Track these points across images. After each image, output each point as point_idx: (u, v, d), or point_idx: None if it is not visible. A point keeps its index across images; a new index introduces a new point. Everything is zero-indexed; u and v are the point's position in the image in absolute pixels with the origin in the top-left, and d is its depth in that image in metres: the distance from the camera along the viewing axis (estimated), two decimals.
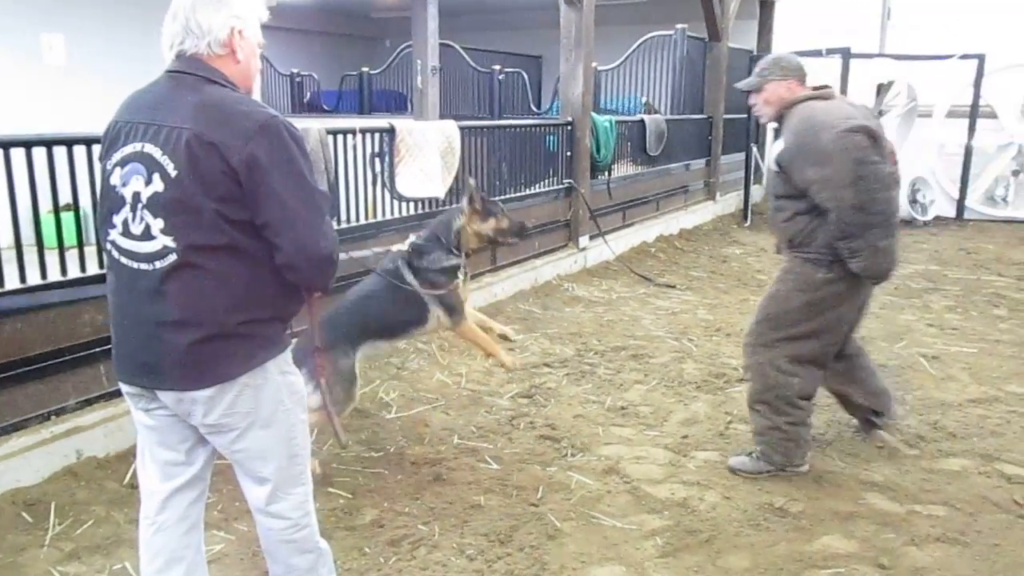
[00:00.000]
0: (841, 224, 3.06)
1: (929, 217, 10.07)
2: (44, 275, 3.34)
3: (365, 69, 13.02)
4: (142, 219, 1.90)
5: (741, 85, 3.43)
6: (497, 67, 11.94)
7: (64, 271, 3.41)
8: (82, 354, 3.39)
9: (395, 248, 3.51)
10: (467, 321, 3.52)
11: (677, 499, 3.22)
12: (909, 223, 10.02)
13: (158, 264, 1.90)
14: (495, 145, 6.44)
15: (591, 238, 7.46)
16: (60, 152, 3.36)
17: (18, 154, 3.20)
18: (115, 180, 1.93)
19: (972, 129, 10.08)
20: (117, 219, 1.93)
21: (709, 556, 2.82)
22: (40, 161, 3.27)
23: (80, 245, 3.50)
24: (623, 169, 8.43)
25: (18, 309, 3.19)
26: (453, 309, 3.46)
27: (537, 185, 6.84)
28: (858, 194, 3.00)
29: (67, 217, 3.43)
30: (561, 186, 7.07)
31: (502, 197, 6.24)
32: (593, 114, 7.34)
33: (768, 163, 3.26)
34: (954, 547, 2.87)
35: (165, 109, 1.91)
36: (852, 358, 3.63)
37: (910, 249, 8.64)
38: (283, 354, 2.06)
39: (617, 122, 7.84)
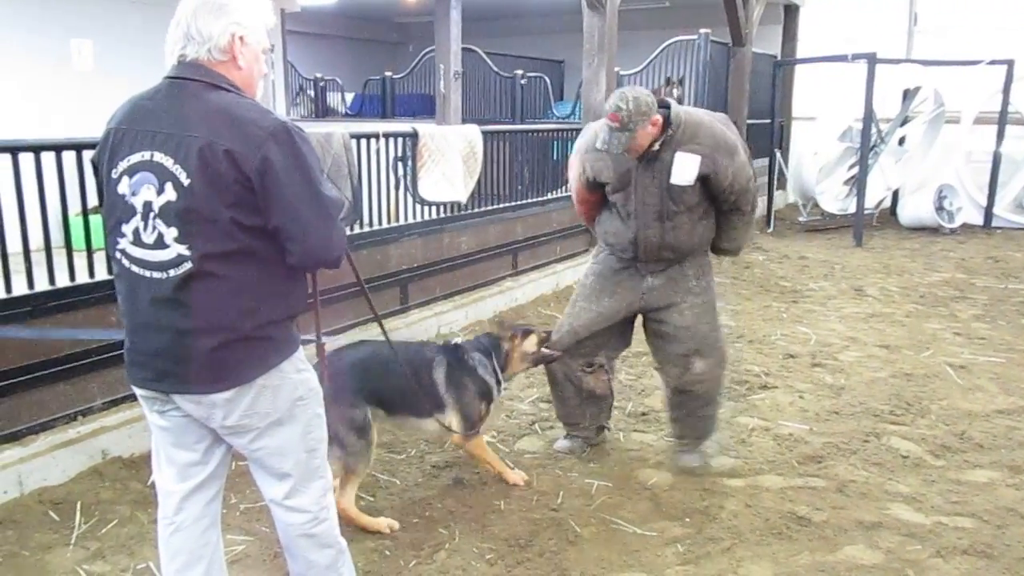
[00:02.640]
0: (752, 198, 3.42)
1: (956, 225, 9.94)
2: (72, 277, 3.39)
3: (388, 74, 13.10)
4: (154, 228, 1.90)
5: (608, 147, 3.16)
6: (519, 72, 11.96)
7: (92, 273, 3.46)
8: (109, 355, 3.43)
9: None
10: (481, 438, 3.35)
11: (698, 506, 3.20)
12: (936, 231, 9.91)
13: (172, 272, 1.90)
14: (517, 149, 6.45)
15: None
16: (88, 156, 3.40)
17: (48, 158, 3.25)
18: (123, 189, 1.92)
19: (1001, 135, 9.94)
20: (127, 228, 1.93)
21: (730, 564, 2.80)
22: (69, 164, 3.32)
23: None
24: None
25: (46, 311, 3.24)
26: (471, 422, 3.23)
27: (559, 190, 6.83)
28: (751, 171, 3.36)
29: (95, 220, 3.48)
30: None
31: (524, 202, 6.26)
32: None
33: (678, 180, 3.24)
34: (981, 560, 2.83)
35: (172, 117, 1.91)
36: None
37: (936, 257, 8.54)
38: (297, 353, 2.09)
39: None
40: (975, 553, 2.87)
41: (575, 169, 3.51)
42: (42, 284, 3.28)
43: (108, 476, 3.27)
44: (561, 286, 6.66)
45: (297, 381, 2.09)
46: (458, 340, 3.43)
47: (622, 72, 9.54)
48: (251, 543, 2.91)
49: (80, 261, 3.44)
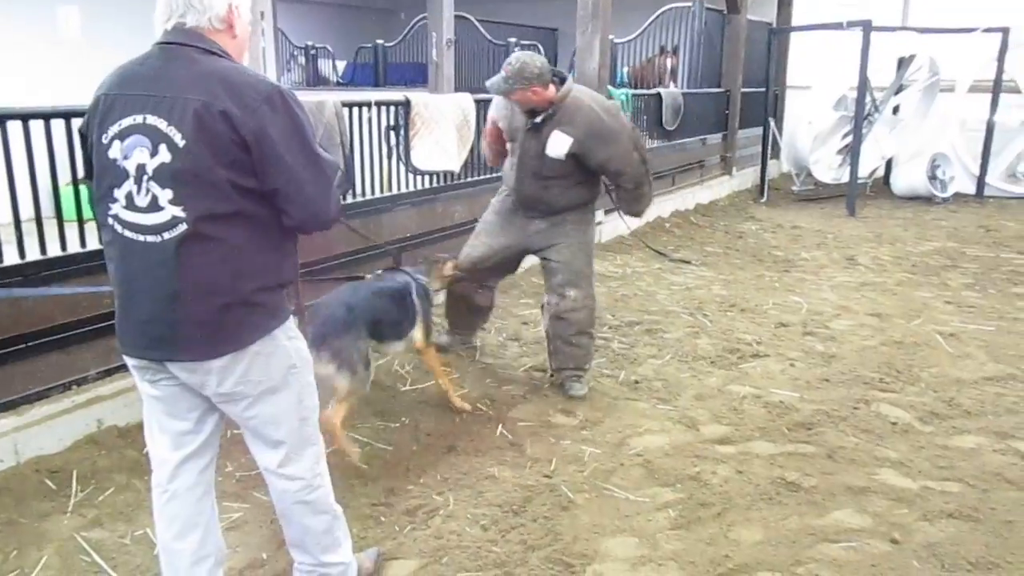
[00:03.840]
0: (633, 179, 3.87)
1: (949, 194, 9.96)
2: (64, 247, 3.37)
3: (380, 42, 12.96)
4: (148, 191, 1.89)
5: (491, 85, 3.68)
6: (513, 39, 11.84)
7: (84, 243, 3.45)
8: (102, 325, 3.42)
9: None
10: (433, 347, 3.85)
11: (690, 473, 3.24)
12: (929, 200, 9.92)
13: (167, 235, 1.90)
14: (643, 155, 6.37)
15: (606, 213, 7.43)
16: (78, 124, 3.37)
17: (37, 126, 3.22)
18: (115, 154, 1.91)
19: (995, 104, 9.92)
20: (119, 193, 1.92)
21: (721, 529, 2.85)
22: (59, 133, 3.29)
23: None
24: None
25: (38, 281, 3.22)
26: (429, 331, 3.75)
27: None
28: (640, 154, 3.84)
29: (85, 189, 3.45)
30: None
31: None
32: (609, 87, 7.28)
33: (551, 153, 3.73)
34: (967, 523, 2.88)
35: (165, 80, 1.91)
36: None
37: (928, 226, 8.56)
38: (288, 321, 2.11)
39: (633, 96, 7.78)
40: (961, 516, 2.92)
41: (493, 111, 4.03)
42: (33, 254, 3.26)
43: (104, 445, 3.29)
44: None
45: (290, 349, 2.11)
46: (405, 269, 3.85)
47: (616, 40, 9.46)
48: (247, 510, 2.94)
49: (71, 232, 3.42)
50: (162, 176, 1.88)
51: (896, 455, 3.39)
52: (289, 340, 2.11)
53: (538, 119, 3.70)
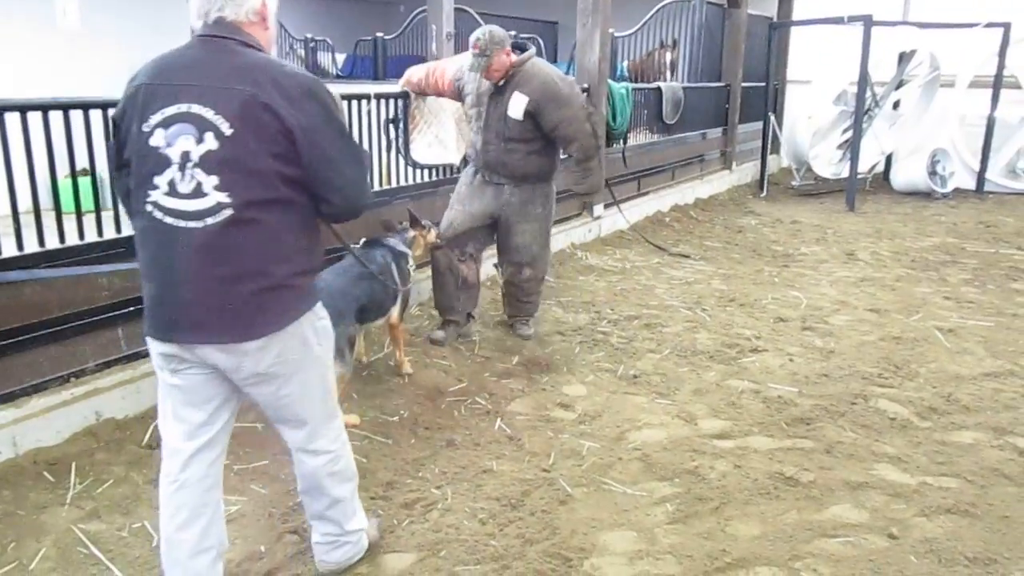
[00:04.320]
0: (583, 149, 4.26)
1: (948, 190, 9.94)
2: (62, 239, 3.36)
3: (380, 34, 12.91)
4: (192, 177, 1.95)
5: (472, 68, 4.11)
6: (512, 32, 11.72)
7: (82, 235, 3.44)
8: (100, 317, 3.43)
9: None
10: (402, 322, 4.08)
11: (688, 467, 3.24)
12: (928, 195, 9.91)
13: (210, 221, 1.96)
14: (593, 127, 6.35)
15: (606, 207, 7.43)
16: (76, 117, 3.36)
17: (35, 118, 3.20)
18: (157, 141, 1.97)
19: (995, 100, 9.90)
20: (160, 179, 1.97)
21: (719, 523, 2.85)
22: (57, 125, 3.27)
23: (97, 210, 3.51)
24: (639, 137, 8.36)
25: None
26: (405, 306, 4.02)
27: None
28: (592, 126, 4.26)
29: (84, 182, 3.44)
30: None
31: None
32: (609, 81, 7.27)
33: (511, 113, 4.13)
34: (964, 519, 2.88)
35: (210, 71, 1.99)
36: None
37: (928, 221, 8.56)
38: (318, 303, 2.22)
39: (634, 89, 7.76)
40: (959, 512, 2.92)
41: (456, 64, 4.44)
42: (31, 246, 3.26)
43: (102, 437, 3.28)
44: (554, 250, 6.64)
45: (319, 328, 2.22)
46: (387, 239, 4.01)
47: (616, 34, 9.43)
48: (244, 503, 2.94)
49: (69, 224, 3.41)
50: (208, 163, 1.95)
51: (894, 450, 3.40)
52: (319, 320, 2.22)
53: (502, 82, 4.13)
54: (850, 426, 3.62)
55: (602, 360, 4.40)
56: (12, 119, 3.11)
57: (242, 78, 1.97)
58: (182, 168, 1.96)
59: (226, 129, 1.94)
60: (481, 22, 11.78)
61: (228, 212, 1.96)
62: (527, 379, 4.13)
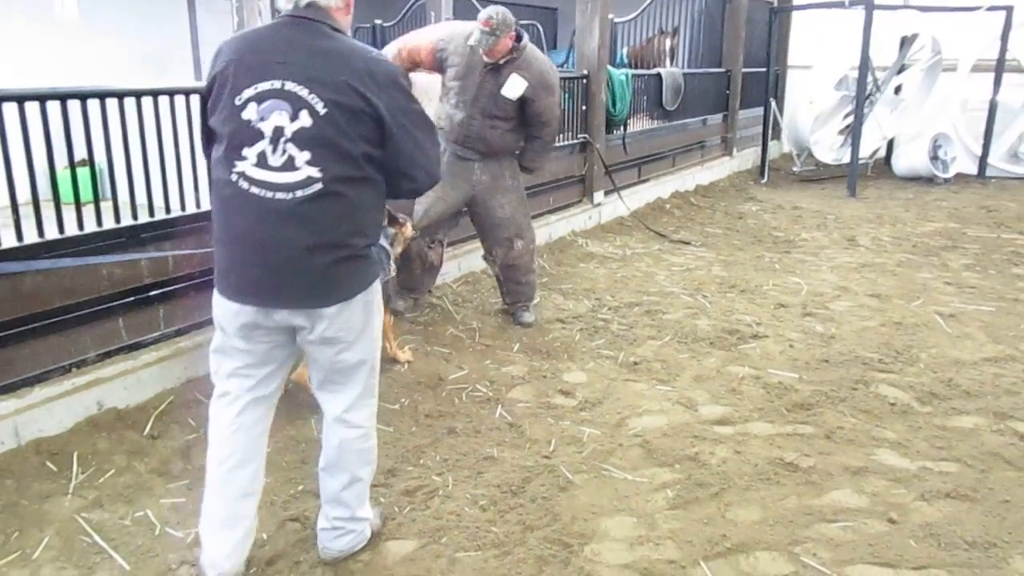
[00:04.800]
0: (553, 132, 4.58)
1: (950, 175, 9.91)
2: (61, 230, 3.36)
3: (378, 22, 12.84)
4: (284, 151, 2.09)
5: (477, 44, 4.13)
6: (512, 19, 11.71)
7: (81, 226, 3.44)
8: (101, 307, 3.43)
9: None
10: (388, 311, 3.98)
11: (688, 453, 3.25)
12: (930, 180, 9.88)
13: (299, 193, 2.11)
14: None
15: (606, 194, 7.42)
16: (74, 107, 3.35)
17: (32, 108, 3.20)
18: (249, 115, 2.09)
19: (998, 84, 9.85)
20: (249, 151, 2.10)
21: (719, 509, 2.86)
22: (55, 116, 3.27)
23: (96, 200, 3.51)
24: (639, 124, 8.34)
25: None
26: (388, 298, 4.00)
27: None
28: (557, 112, 4.53)
29: (83, 172, 3.43)
30: (576, 141, 7.01)
31: None
32: (609, 68, 7.24)
33: (507, 93, 4.23)
34: (964, 503, 2.89)
35: (303, 52, 2.12)
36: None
37: (929, 207, 8.53)
38: (378, 278, 2.36)
39: (633, 76, 7.73)
40: (958, 496, 2.93)
41: (430, 35, 4.44)
42: (31, 237, 3.25)
43: (104, 427, 3.29)
44: (554, 237, 6.65)
45: (379, 303, 2.39)
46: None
47: (616, 20, 9.38)
48: None
49: (69, 214, 3.41)
50: (301, 139, 2.09)
51: (894, 435, 3.40)
52: (378, 293, 2.37)
53: (502, 61, 4.20)
54: (850, 411, 3.62)
55: (602, 347, 4.41)
56: (10, 109, 3.11)
57: (337, 62, 2.11)
58: (274, 142, 2.09)
59: (320, 108, 2.08)
60: (480, 8, 11.74)
61: (318, 186, 2.10)
62: (527, 366, 4.14)
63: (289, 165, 2.09)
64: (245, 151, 2.10)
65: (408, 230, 4.03)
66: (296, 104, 2.08)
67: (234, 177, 2.13)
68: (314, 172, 2.10)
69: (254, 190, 2.11)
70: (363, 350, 2.36)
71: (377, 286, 2.35)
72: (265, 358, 2.32)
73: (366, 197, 2.22)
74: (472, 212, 4.64)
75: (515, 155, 4.62)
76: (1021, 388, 3.86)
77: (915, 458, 3.22)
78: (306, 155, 2.09)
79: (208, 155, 2.28)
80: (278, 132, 2.08)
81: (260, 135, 2.09)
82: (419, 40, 4.48)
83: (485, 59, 4.20)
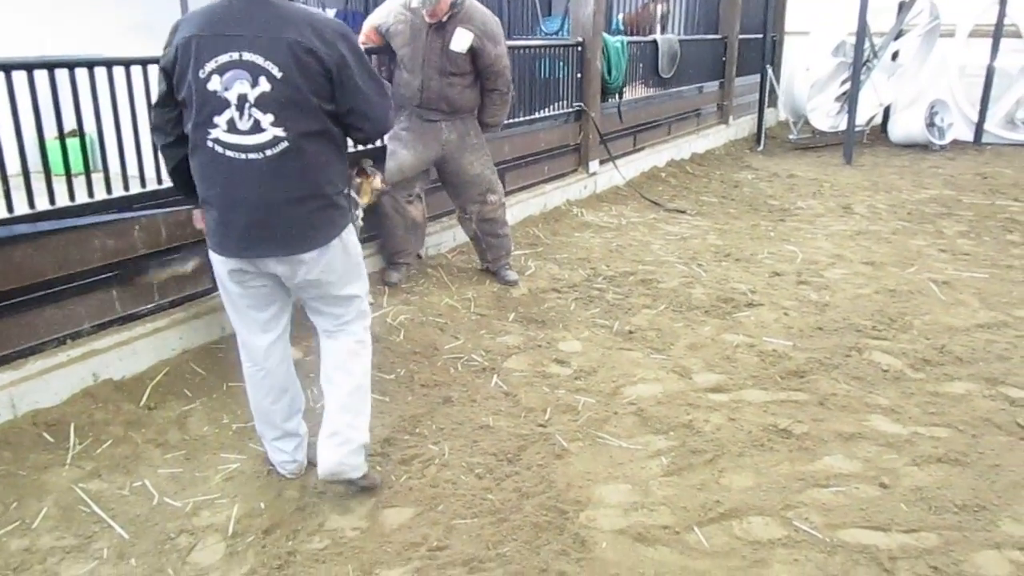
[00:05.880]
0: (507, 83, 4.58)
1: (946, 141, 9.87)
2: (52, 201, 3.34)
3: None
4: (250, 116, 2.31)
5: (421, 5, 4.29)
6: None
7: (72, 197, 3.41)
8: (95, 279, 3.42)
9: None
10: None
11: (682, 421, 3.27)
12: (926, 147, 9.85)
13: (268, 152, 2.34)
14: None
15: (601, 163, 7.38)
16: (62, 76, 3.31)
17: (20, 77, 3.15)
18: (214, 86, 2.29)
19: (995, 49, 9.77)
20: (220, 119, 2.31)
21: (713, 475, 2.89)
22: (43, 85, 3.22)
23: (87, 171, 3.48)
24: (635, 92, 8.27)
25: (29, 235, 3.20)
26: None
27: (547, 108, 6.72)
28: (507, 62, 4.55)
29: (72, 143, 3.40)
30: (571, 109, 6.95)
31: (511, 121, 6.16)
32: (604, 35, 7.16)
33: (455, 47, 4.33)
34: (955, 467, 2.92)
35: (256, 22, 2.30)
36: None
37: (925, 174, 8.52)
38: (351, 222, 2.62)
39: (629, 43, 7.65)
40: (949, 461, 2.96)
41: (375, 17, 4.65)
42: (22, 208, 3.23)
43: (100, 398, 3.30)
44: (549, 207, 6.63)
45: (355, 242, 2.65)
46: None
47: None
48: (244, 461, 2.97)
49: (60, 186, 3.38)
50: (264, 103, 2.30)
51: (887, 402, 3.43)
52: (352, 235, 2.62)
53: (445, 18, 4.32)
54: (844, 378, 3.65)
55: (597, 316, 4.42)
56: None
57: (287, 27, 2.29)
58: (240, 108, 2.29)
59: (276, 73, 2.29)
60: None
61: (284, 144, 2.34)
62: (523, 336, 4.15)
63: (256, 128, 2.31)
64: (216, 119, 2.32)
65: (376, 182, 4.02)
66: (255, 72, 2.28)
67: (209, 143, 2.35)
68: (279, 132, 2.33)
69: (228, 153, 2.34)
70: (352, 286, 2.64)
71: (351, 227, 2.60)
72: (265, 300, 2.59)
73: (330, 149, 2.46)
74: (443, 173, 4.76)
75: (475, 113, 4.69)
76: (1013, 354, 3.89)
77: (907, 424, 3.24)
78: (270, 117, 2.31)
79: (159, 125, 2.49)
80: (242, 99, 2.29)
81: (226, 103, 2.30)
82: (366, 28, 4.68)
83: (428, 20, 4.31)
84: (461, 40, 4.35)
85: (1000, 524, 2.59)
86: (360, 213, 3.92)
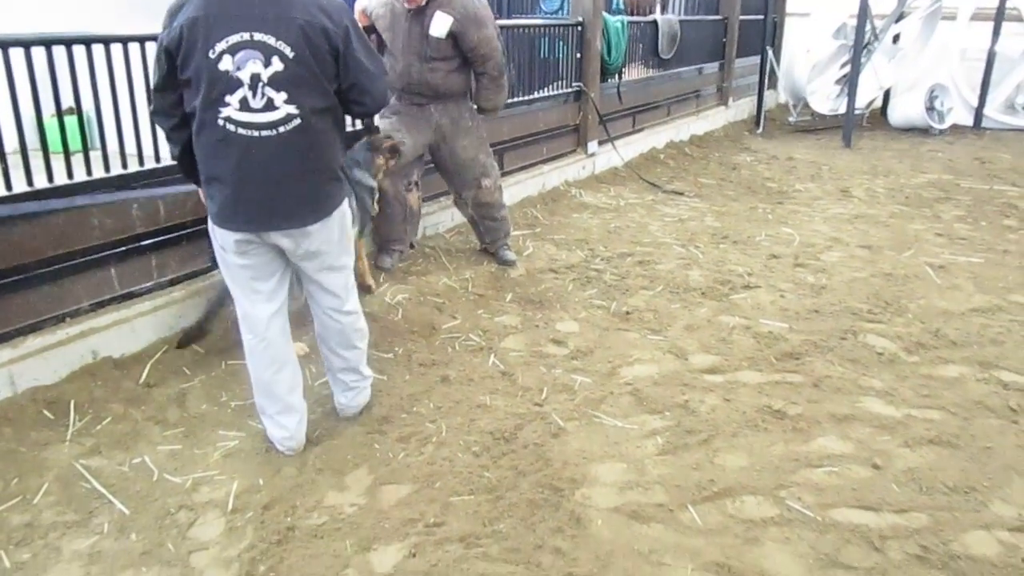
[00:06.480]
0: (498, 66, 4.45)
1: (946, 126, 9.85)
2: (50, 179, 3.34)
3: None
4: (263, 95, 2.39)
5: None
6: None
7: (70, 175, 3.41)
8: (93, 257, 3.43)
9: None
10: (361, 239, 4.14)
11: (678, 401, 3.30)
12: (925, 131, 9.83)
13: (282, 129, 2.43)
14: (503, 46, 6.26)
15: (600, 144, 7.37)
16: (60, 53, 3.29)
17: (17, 54, 3.14)
18: (226, 66, 2.35)
19: (996, 33, 9.73)
20: (232, 98, 2.38)
21: (707, 455, 2.92)
22: (40, 62, 3.21)
23: (85, 149, 3.48)
24: (634, 73, 8.24)
25: (27, 213, 3.20)
26: (364, 227, 3.99)
27: (546, 89, 6.70)
28: (502, 45, 4.47)
29: (71, 121, 3.39)
30: (570, 90, 6.93)
31: (510, 101, 6.15)
32: (605, 15, 7.12)
33: (434, 32, 4.26)
34: (947, 449, 2.95)
35: (266, 3, 2.36)
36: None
37: (924, 158, 8.51)
38: (366, 207, 3.10)
39: (629, 23, 7.61)
40: (941, 443, 2.99)
41: (361, 2, 4.58)
42: (20, 187, 3.23)
43: (99, 376, 3.32)
44: (547, 187, 6.63)
45: (348, 213, 2.79)
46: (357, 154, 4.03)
47: None
48: (242, 439, 2.99)
49: (58, 164, 3.38)
50: (277, 82, 2.39)
51: (881, 384, 3.45)
52: (347, 209, 2.75)
53: (424, 2, 4.25)
54: (838, 361, 3.67)
55: (595, 297, 4.44)
56: None
57: (297, 8, 2.37)
58: (253, 87, 2.36)
59: (289, 52, 2.37)
60: None
61: (297, 121, 2.44)
62: (520, 316, 4.17)
63: (269, 106, 2.40)
64: (228, 98, 2.37)
65: (388, 145, 4.11)
66: (267, 52, 2.35)
67: (220, 122, 2.40)
68: (292, 109, 2.42)
69: (241, 131, 2.41)
70: (344, 256, 2.80)
71: (346, 204, 2.73)
72: (267, 270, 2.68)
73: (333, 125, 2.59)
74: (437, 157, 4.71)
75: (468, 97, 4.64)
76: (1007, 338, 3.92)
77: (900, 406, 3.27)
78: (283, 95, 2.40)
79: (161, 109, 2.54)
80: (255, 79, 2.35)
81: (239, 83, 2.36)
82: (356, 8, 4.59)
83: (407, 6, 4.26)
84: (440, 25, 4.26)
85: (990, 505, 2.63)
86: (376, 195, 4.06)
